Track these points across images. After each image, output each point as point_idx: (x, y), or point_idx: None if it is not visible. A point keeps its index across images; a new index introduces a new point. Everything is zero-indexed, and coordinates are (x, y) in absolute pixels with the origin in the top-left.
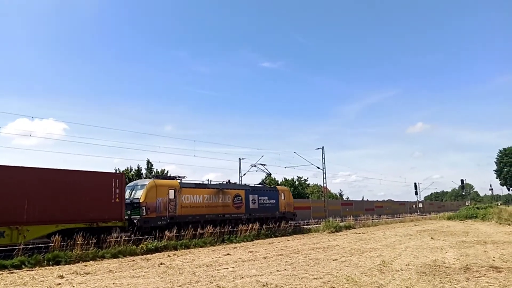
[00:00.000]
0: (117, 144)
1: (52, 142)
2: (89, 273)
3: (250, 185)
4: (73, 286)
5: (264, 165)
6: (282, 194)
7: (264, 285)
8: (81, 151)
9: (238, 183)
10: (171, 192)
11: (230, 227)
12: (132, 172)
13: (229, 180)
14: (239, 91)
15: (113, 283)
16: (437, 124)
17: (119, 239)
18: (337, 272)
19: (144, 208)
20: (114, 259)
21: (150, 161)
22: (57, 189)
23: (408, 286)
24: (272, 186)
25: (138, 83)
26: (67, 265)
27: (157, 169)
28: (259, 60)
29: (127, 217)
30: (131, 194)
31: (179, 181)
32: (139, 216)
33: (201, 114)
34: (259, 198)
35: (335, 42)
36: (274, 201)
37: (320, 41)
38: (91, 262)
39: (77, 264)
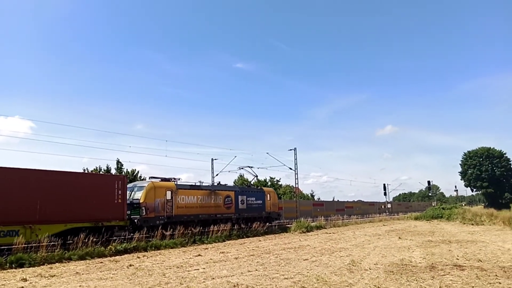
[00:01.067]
0: (86, 143)
1: (17, 140)
2: (54, 275)
3: (239, 186)
4: None
5: (251, 167)
6: (268, 195)
7: (234, 286)
8: (49, 150)
9: (211, 184)
10: (168, 193)
11: (221, 226)
12: (101, 172)
13: (219, 182)
14: (212, 92)
15: (80, 286)
16: (405, 127)
17: (86, 240)
18: (308, 272)
19: (144, 208)
20: (81, 261)
21: (120, 160)
22: (65, 190)
23: (376, 285)
24: (259, 188)
25: (109, 82)
26: (31, 268)
27: (127, 169)
28: (232, 61)
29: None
30: (130, 195)
31: (175, 182)
32: (139, 216)
33: (174, 114)
34: (247, 199)
35: (307, 46)
36: (261, 201)
37: (293, 44)
38: (57, 264)
39: (42, 267)
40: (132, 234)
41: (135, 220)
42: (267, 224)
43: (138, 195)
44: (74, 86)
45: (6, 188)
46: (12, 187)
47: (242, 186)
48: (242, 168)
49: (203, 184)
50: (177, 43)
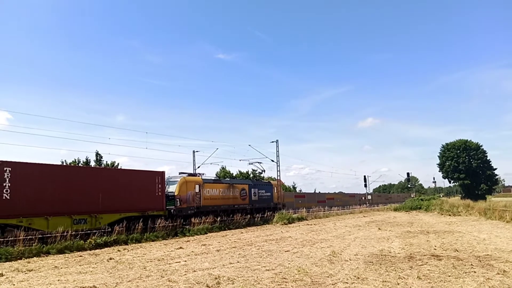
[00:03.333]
0: (64, 135)
1: None
2: (32, 270)
3: (251, 180)
4: (14, 285)
5: (261, 163)
6: (275, 188)
7: (216, 278)
8: (26, 142)
9: (229, 178)
10: (197, 186)
11: (239, 215)
12: (80, 164)
13: (235, 177)
14: (194, 83)
15: (58, 280)
16: (386, 119)
17: (66, 233)
18: (289, 263)
19: (178, 200)
20: (60, 255)
21: (99, 152)
22: (119, 184)
23: (356, 275)
24: (267, 181)
25: (88, 72)
26: (7, 262)
27: (106, 161)
28: (214, 52)
29: None
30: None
31: (200, 177)
32: (174, 207)
33: (155, 105)
34: (259, 191)
35: (290, 38)
36: (270, 194)
37: (275, 36)
38: (34, 258)
39: (19, 261)
40: (172, 222)
41: (171, 210)
42: (275, 213)
43: (173, 189)
44: (53, 75)
45: (78, 183)
46: (82, 182)
47: (254, 180)
48: (252, 164)
49: (223, 179)
50: (159, 33)
